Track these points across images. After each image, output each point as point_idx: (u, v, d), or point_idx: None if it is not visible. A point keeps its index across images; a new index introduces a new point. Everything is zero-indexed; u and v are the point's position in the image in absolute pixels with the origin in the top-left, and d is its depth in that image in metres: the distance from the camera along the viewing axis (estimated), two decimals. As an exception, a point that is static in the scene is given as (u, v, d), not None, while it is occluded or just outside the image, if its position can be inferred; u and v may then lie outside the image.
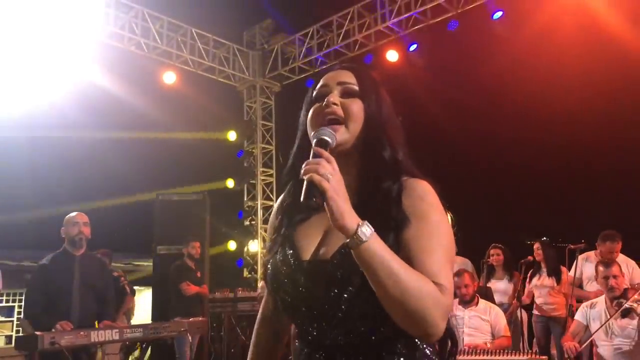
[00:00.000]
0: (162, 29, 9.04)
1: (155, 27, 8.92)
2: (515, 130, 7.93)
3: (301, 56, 9.92)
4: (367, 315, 1.18)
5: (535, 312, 5.92)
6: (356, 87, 1.33)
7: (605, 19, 6.90)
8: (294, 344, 1.35)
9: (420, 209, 1.21)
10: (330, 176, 1.07)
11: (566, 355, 4.10)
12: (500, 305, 5.81)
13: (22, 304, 4.48)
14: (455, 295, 5.18)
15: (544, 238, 5.80)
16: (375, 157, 1.29)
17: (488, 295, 5.63)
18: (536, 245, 5.91)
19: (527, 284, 5.83)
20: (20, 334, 3.32)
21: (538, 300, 5.88)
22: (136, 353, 5.50)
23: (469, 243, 7.82)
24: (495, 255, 6.18)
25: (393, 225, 1.19)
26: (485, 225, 7.65)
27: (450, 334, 1.32)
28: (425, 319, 1.06)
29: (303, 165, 1.10)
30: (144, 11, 8.75)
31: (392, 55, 8.96)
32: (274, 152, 10.46)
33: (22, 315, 4.71)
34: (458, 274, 5.09)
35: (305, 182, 1.08)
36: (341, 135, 1.26)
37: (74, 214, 3.97)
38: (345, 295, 1.17)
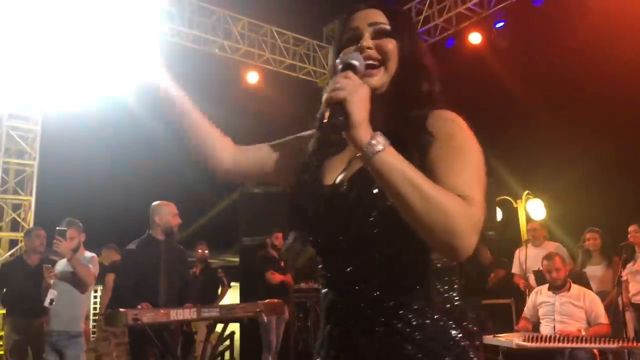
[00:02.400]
0: (243, 30, 9.33)
1: (237, 28, 9.23)
2: (608, 109, 7.34)
3: (380, 47, 9.82)
4: (379, 242, 1.14)
5: (632, 300, 5.44)
6: (388, 27, 1.27)
7: None
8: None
9: (446, 130, 1.16)
10: (346, 87, 1.04)
11: None
12: (598, 292, 5.40)
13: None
14: (545, 280, 4.88)
15: None
16: (411, 91, 1.25)
17: (583, 280, 5.25)
18: (632, 228, 5.44)
19: (621, 270, 5.37)
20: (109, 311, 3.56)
21: (635, 287, 5.40)
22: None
23: (563, 227, 7.42)
24: (592, 240, 5.77)
25: (417, 147, 1.14)
26: (580, 208, 7.17)
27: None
28: (452, 230, 0.98)
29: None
30: (225, 13, 9.08)
31: (475, 38, 8.64)
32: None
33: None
34: (548, 257, 4.81)
35: (327, 108, 1.06)
36: (380, 79, 1.23)
37: (170, 204, 4.22)
38: (358, 219, 1.14)
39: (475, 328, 1.21)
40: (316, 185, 1.26)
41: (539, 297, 4.82)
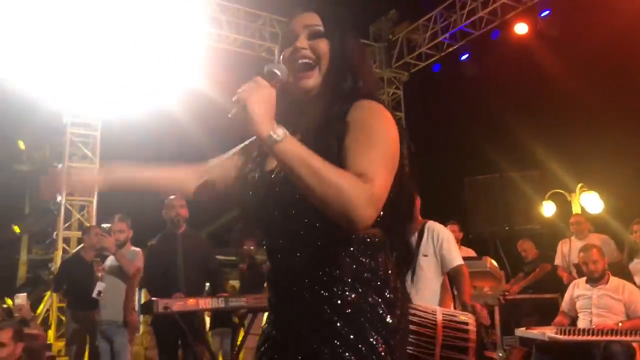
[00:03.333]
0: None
1: (283, 31, 9.43)
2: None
3: (426, 42, 9.78)
4: (306, 219, 1.26)
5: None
6: (321, 29, 1.39)
7: None
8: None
9: (361, 117, 1.26)
10: (250, 90, 1.18)
11: None
12: (645, 286, 5.19)
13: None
14: (583, 273, 4.76)
15: None
16: (336, 87, 1.36)
17: (626, 274, 5.07)
18: None
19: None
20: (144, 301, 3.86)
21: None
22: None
23: (620, 220, 7.11)
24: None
25: (336, 136, 1.25)
26: (630, 198, 6.88)
27: (407, 250, 1.35)
28: (346, 204, 1.09)
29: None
30: (271, 17, 9.33)
31: (521, 28, 8.44)
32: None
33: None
34: (585, 248, 4.69)
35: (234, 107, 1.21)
36: (315, 80, 1.36)
37: (172, 197, 4.46)
38: (287, 198, 1.27)
39: (395, 296, 1.29)
40: (256, 173, 1.40)
41: (576, 290, 4.70)
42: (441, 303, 3.57)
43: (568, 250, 5.88)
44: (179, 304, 3.52)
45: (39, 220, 9.63)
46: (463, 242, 6.54)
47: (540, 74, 8.20)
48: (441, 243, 3.62)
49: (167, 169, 1.61)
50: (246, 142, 1.53)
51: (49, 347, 6.02)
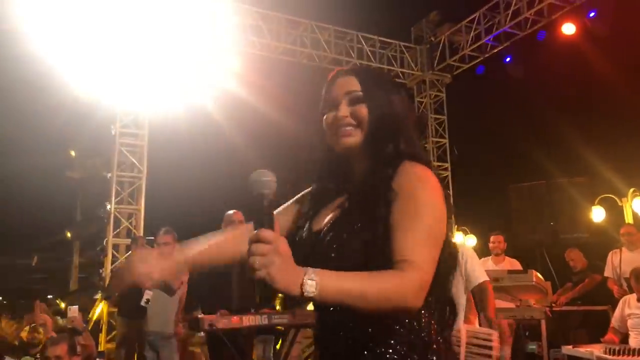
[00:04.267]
0: (330, 37, 9.58)
1: (324, 37, 9.49)
2: None
3: (469, 43, 9.62)
4: None
5: None
6: (360, 93, 1.41)
7: None
8: None
9: (408, 186, 1.28)
10: (263, 265, 1.10)
11: None
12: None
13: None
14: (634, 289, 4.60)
15: None
16: (379, 151, 1.38)
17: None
18: None
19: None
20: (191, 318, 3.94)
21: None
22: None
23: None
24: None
25: (384, 203, 1.28)
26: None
27: (449, 302, 1.36)
28: (397, 304, 1.16)
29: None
30: (312, 24, 9.38)
31: (568, 28, 8.20)
32: (447, 145, 10.27)
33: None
34: (637, 278, 4.50)
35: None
36: (355, 140, 1.39)
37: (231, 212, 4.52)
38: (333, 261, 1.29)
39: (438, 357, 1.31)
40: (305, 231, 1.44)
41: (627, 309, 4.56)
42: (466, 319, 3.65)
43: (619, 262, 5.69)
44: (224, 321, 3.59)
45: (90, 226, 10.00)
46: (508, 252, 6.42)
47: (588, 75, 7.95)
48: (465, 261, 3.72)
49: (231, 234, 1.63)
50: (303, 192, 1.56)
51: (100, 354, 6.25)
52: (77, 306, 4.71)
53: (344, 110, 1.39)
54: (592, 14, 7.87)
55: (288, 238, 1.47)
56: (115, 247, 8.40)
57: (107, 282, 7.76)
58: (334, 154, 1.43)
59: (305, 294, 1.11)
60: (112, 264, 8.10)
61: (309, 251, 1.37)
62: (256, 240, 1.12)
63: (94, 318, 7.88)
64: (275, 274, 1.11)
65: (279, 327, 5.38)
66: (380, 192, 1.30)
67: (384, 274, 1.18)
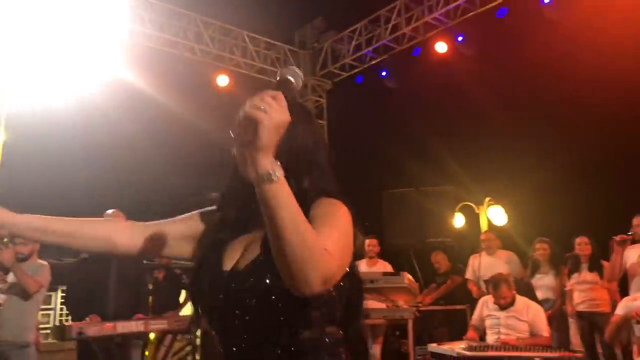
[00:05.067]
0: (214, 33, 9.38)
1: (208, 32, 9.27)
2: (567, 120, 7.57)
3: (350, 53, 9.95)
4: (269, 325, 1.26)
5: (577, 309, 5.65)
6: None
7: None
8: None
9: (326, 210, 1.27)
10: (269, 110, 1.05)
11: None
12: (545, 301, 5.62)
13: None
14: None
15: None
16: (291, 187, 1.32)
17: (530, 291, 5.45)
18: (579, 240, 5.66)
19: (566, 280, 5.58)
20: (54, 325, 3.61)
21: (580, 297, 5.62)
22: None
23: (522, 234, 7.63)
24: (542, 250, 5.97)
25: None
26: (538, 215, 7.39)
27: (361, 337, 1.40)
28: (309, 266, 1.07)
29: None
30: (197, 18, 9.12)
31: (440, 47, 8.80)
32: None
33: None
34: (495, 284, 4.91)
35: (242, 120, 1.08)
36: None
37: (110, 211, 4.24)
38: (251, 305, 1.26)
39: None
40: (216, 270, 1.35)
41: (485, 310, 4.99)
42: None
43: (478, 265, 6.23)
44: (95, 328, 3.36)
45: None
46: (380, 255, 6.75)
47: (456, 92, 8.61)
48: None
49: (90, 220, 1.44)
50: (202, 211, 1.48)
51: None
52: None
53: None
54: (460, 38, 8.54)
55: (192, 272, 1.42)
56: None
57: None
58: (247, 184, 1.28)
59: (271, 172, 1.05)
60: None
61: (223, 292, 1.30)
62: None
63: None
64: (271, 127, 1.05)
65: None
66: None
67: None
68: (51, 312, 9.47)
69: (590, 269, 5.57)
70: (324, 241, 1.15)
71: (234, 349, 1.31)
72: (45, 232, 1.37)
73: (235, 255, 1.34)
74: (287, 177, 1.10)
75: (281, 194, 1.07)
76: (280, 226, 1.06)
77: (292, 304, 1.22)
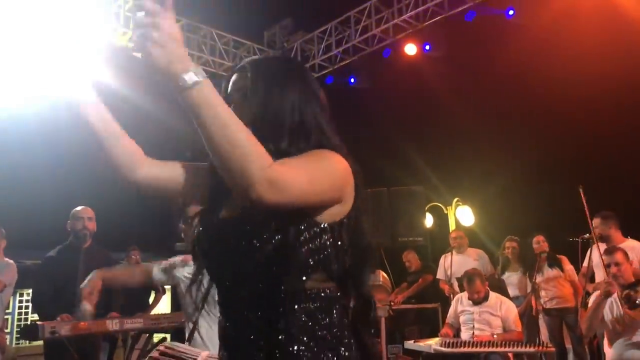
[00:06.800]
0: (182, 31, 9.21)
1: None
2: (532, 123, 7.76)
3: (320, 53, 9.96)
4: (261, 272, 1.23)
5: (545, 305, 5.79)
6: (247, 90, 1.35)
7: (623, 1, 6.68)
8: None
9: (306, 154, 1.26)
10: (164, 45, 1.03)
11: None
12: (515, 298, 5.72)
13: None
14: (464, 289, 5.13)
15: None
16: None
17: (502, 287, 5.54)
18: (535, 239, 5.82)
19: (535, 277, 5.71)
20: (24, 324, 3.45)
21: (547, 294, 5.76)
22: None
23: (489, 233, 7.78)
24: (511, 248, 6.10)
25: None
26: (504, 215, 7.53)
27: (364, 298, 1.35)
28: (248, 174, 1.03)
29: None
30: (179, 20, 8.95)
31: (410, 49, 8.90)
32: (295, 149, 10.49)
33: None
34: (469, 279, 4.99)
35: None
36: None
37: (79, 208, 4.11)
38: (243, 250, 1.23)
39: (350, 354, 1.29)
40: (212, 217, 1.34)
41: (460, 306, 5.06)
42: None
43: (449, 264, 6.30)
44: (68, 327, 3.23)
45: None
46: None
47: (425, 94, 8.71)
48: None
49: (127, 138, 1.41)
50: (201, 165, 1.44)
51: None
52: None
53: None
54: (427, 47, 8.67)
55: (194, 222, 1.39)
56: None
57: None
58: None
59: (189, 80, 1.01)
60: None
61: (217, 238, 1.30)
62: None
63: None
64: (163, 40, 1.02)
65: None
66: None
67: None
68: (9, 316, 9.10)
69: (551, 266, 5.73)
70: (281, 162, 1.11)
71: (227, 297, 1.31)
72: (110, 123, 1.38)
73: (231, 202, 1.32)
74: (263, 141, 1.08)
75: (208, 98, 1.04)
76: (212, 135, 1.03)
77: (280, 250, 1.19)
